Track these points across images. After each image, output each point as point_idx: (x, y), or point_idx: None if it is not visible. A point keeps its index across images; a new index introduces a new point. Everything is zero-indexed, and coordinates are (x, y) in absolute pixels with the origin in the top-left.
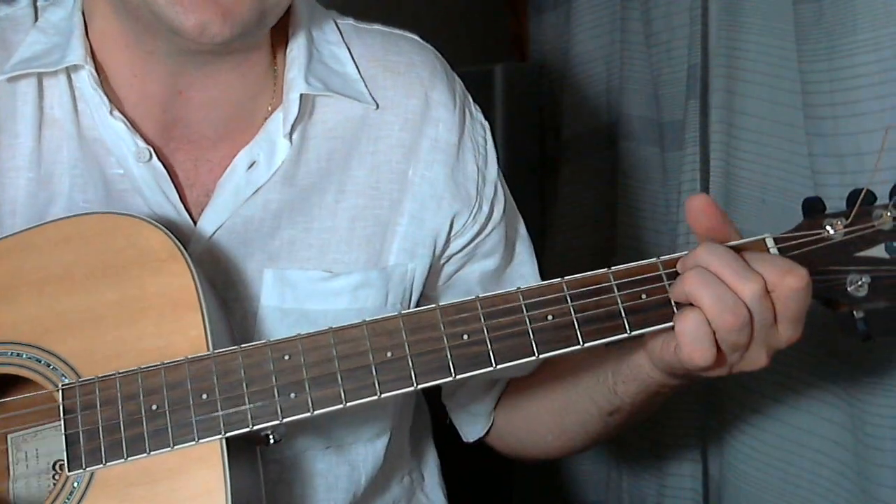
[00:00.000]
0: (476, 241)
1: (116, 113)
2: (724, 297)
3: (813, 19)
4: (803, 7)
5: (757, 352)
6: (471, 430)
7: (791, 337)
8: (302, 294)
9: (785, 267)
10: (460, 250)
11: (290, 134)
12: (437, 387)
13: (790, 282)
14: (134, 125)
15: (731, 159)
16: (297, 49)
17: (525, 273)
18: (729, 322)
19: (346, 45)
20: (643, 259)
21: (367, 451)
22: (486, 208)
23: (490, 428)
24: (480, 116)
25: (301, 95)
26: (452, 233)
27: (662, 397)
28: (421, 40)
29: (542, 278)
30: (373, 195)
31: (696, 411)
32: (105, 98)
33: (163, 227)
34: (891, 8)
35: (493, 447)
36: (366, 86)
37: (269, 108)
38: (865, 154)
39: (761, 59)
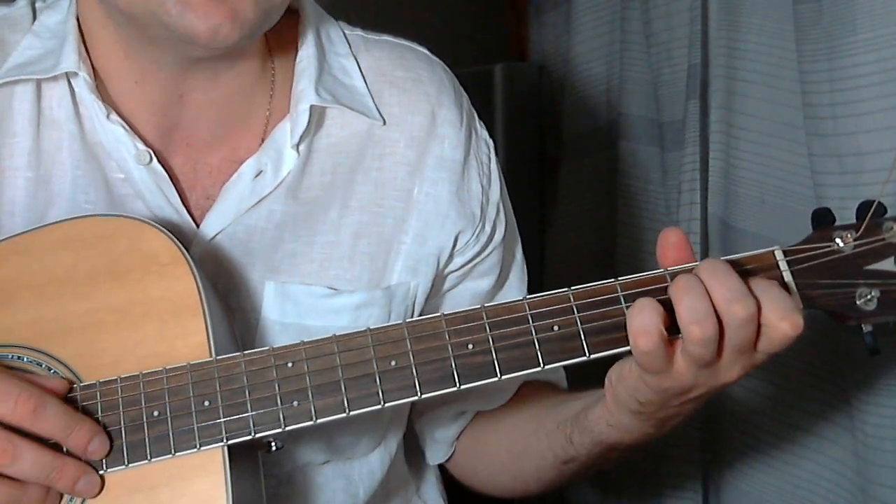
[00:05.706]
0: (475, 261)
1: (114, 116)
2: (696, 306)
3: (813, 19)
4: (803, 7)
5: (728, 367)
6: (432, 454)
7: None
8: (303, 309)
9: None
10: (459, 268)
11: (298, 145)
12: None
13: (785, 327)
14: (133, 128)
15: (730, 159)
16: (306, 60)
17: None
18: (695, 334)
19: (355, 57)
20: (642, 259)
21: (362, 465)
22: (488, 228)
23: (452, 456)
24: (485, 134)
25: (311, 107)
26: (455, 249)
27: (618, 453)
28: (430, 54)
29: (543, 277)
30: (377, 212)
31: (696, 410)
32: (101, 103)
33: (165, 231)
34: (890, 8)
35: (452, 474)
36: (373, 100)
37: (267, 114)
38: (865, 154)
39: (761, 59)
